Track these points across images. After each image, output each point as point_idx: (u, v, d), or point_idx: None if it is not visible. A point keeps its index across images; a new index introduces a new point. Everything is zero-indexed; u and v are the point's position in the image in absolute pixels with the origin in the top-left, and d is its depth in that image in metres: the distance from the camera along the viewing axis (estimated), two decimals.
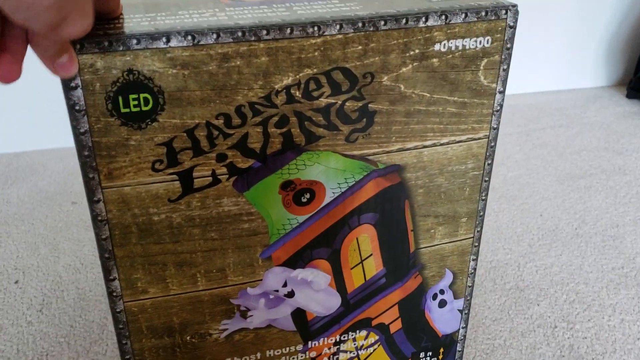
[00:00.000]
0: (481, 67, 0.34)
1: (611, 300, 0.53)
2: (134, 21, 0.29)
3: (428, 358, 0.46)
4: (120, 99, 0.28)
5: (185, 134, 0.30)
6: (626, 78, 1.04)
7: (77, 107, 0.28)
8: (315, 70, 0.31)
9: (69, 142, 0.80)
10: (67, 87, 0.27)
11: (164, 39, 0.28)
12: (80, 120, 0.28)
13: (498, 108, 0.36)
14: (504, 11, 0.32)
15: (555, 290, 0.54)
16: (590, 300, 0.53)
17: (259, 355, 0.40)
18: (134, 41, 0.27)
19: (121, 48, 0.27)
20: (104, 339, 0.48)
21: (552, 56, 0.98)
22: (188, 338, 0.37)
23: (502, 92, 0.36)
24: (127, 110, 0.29)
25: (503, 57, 0.34)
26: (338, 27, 0.30)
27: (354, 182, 0.36)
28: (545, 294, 0.54)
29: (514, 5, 0.33)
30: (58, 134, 0.79)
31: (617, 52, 1.01)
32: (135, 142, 0.30)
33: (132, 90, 0.28)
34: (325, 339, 0.41)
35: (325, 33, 0.30)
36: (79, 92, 0.28)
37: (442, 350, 0.46)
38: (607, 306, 0.52)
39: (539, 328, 0.49)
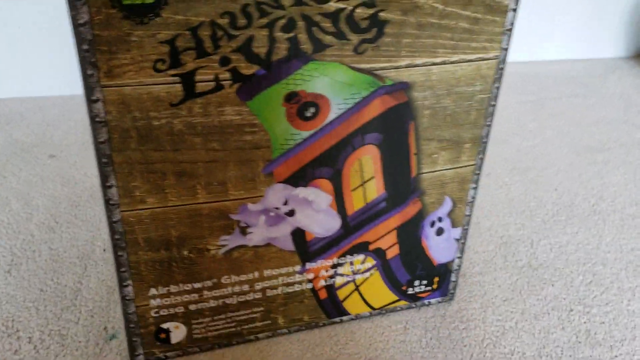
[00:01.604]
0: None
1: (630, 283, 0.51)
2: None
3: (423, 286, 0.46)
4: None
5: (188, 33, 0.29)
6: None
7: None
8: None
9: (50, 91, 0.76)
10: None
11: None
12: (80, 10, 0.27)
13: (510, 27, 0.35)
14: None
15: (571, 271, 0.52)
16: (608, 283, 0.51)
17: (256, 274, 0.39)
18: None
19: None
20: (76, 305, 0.45)
21: (569, 24, 0.95)
22: (186, 253, 0.36)
23: (515, 10, 0.35)
24: (129, 1, 0.27)
25: None
26: None
27: (361, 99, 0.35)
28: (560, 274, 0.52)
29: None
30: (38, 83, 0.76)
31: (638, 22, 0.99)
32: (137, 38, 0.28)
33: None
34: (323, 260, 0.41)
35: None
36: None
37: (436, 279, 0.46)
38: (626, 289, 0.50)
39: (554, 311, 0.47)
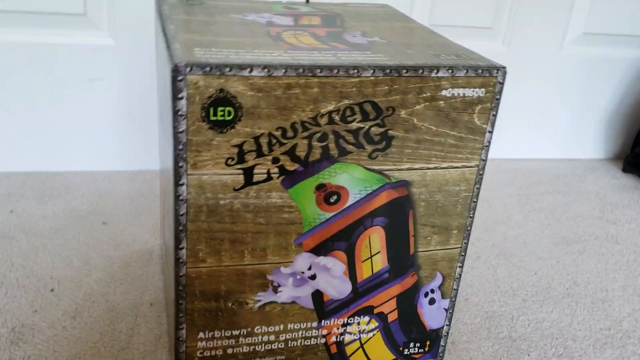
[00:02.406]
0: (476, 111, 0.44)
1: (597, 357, 0.59)
2: (224, 54, 0.40)
3: (416, 348, 0.55)
4: (211, 109, 0.39)
5: (252, 140, 0.41)
6: (623, 153, 1.13)
7: (180, 112, 0.38)
8: (351, 101, 0.41)
9: (100, 166, 0.89)
10: (175, 97, 0.38)
11: (248, 69, 0.38)
12: (181, 122, 0.39)
13: (487, 144, 0.47)
14: (495, 70, 0.43)
15: (545, 344, 0.61)
16: (577, 356, 0.60)
17: (281, 326, 0.49)
18: (227, 69, 0.38)
19: (217, 73, 0.38)
20: (130, 347, 0.54)
21: (554, 127, 1.08)
22: (229, 304, 0.46)
23: (491, 132, 0.46)
24: (215, 118, 0.39)
25: (493, 105, 0.45)
26: (372, 71, 0.41)
27: (372, 191, 0.46)
28: (535, 345, 0.61)
29: (503, 67, 0.44)
30: (90, 158, 0.88)
31: (615, 127, 1.11)
32: (216, 142, 0.40)
33: (221, 104, 0.39)
34: (336, 319, 0.51)
35: (362, 75, 0.41)
36: (183, 102, 0.38)
37: (428, 342, 0.55)
38: None
39: None
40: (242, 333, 0.48)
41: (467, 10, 0.95)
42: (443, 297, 0.53)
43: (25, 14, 0.79)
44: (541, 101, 1.04)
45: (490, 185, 0.98)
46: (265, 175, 0.42)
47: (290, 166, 0.42)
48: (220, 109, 0.39)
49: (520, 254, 0.78)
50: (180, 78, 0.37)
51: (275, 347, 0.50)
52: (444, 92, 0.43)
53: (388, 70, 0.41)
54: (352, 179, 0.45)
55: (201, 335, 0.47)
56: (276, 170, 0.42)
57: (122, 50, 0.83)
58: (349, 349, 0.53)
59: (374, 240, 0.48)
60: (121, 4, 0.81)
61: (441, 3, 0.93)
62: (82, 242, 0.70)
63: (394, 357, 0.54)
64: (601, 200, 0.96)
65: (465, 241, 0.51)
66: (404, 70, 0.41)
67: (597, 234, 0.85)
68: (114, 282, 0.64)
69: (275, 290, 0.47)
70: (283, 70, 0.39)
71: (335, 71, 0.40)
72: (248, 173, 0.42)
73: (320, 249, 0.47)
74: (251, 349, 0.49)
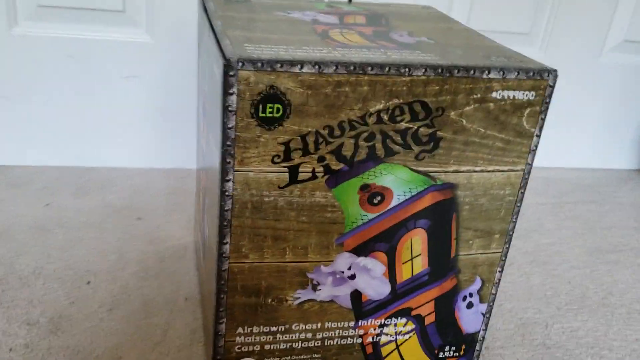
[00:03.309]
0: (525, 114, 0.44)
1: None
2: (273, 50, 0.40)
3: (451, 352, 0.54)
4: (260, 106, 0.39)
5: (299, 138, 0.40)
6: None
7: (230, 108, 0.38)
8: (401, 100, 0.41)
9: (135, 163, 0.90)
10: (226, 93, 0.38)
11: (299, 66, 0.38)
12: (230, 117, 0.39)
13: (534, 148, 0.46)
14: (547, 73, 0.43)
15: (580, 352, 0.60)
16: None
17: (319, 324, 0.49)
18: (278, 65, 0.38)
19: (268, 69, 0.38)
20: (166, 341, 0.54)
21: (589, 136, 1.06)
22: (269, 300, 0.46)
23: (539, 136, 0.46)
24: (264, 115, 0.39)
25: (542, 108, 0.44)
26: (423, 70, 0.40)
27: (416, 193, 0.45)
28: (571, 354, 0.60)
29: (555, 70, 0.43)
30: (126, 155, 0.89)
31: None
32: (264, 140, 0.40)
33: (270, 100, 0.39)
34: (373, 320, 0.50)
35: (413, 73, 0.40)
36: (234, 97, 0.38)
37: (463, 346, 0.55)
38: None
39: None
40: (280, 329, 0.48)
41: (505, 15, 0.94)
42: (481, 301, 0.53)
43: (65, 10, 0.81)
44: (577, 109, 1.03)
45: None
46: (310, 174, 0.42)
47: (336, 165, 0.42)
48: (269, 105, 0.39)
49: (553, 262, 0.77)
50: (232, 73, 0.37)
51: (312, 345, 0.50)
52: (494, 94, 0.42)
53: (440, 70, 0.40)
54: (397, 180, 0.44)
55: (240, 330, 0.47)
56: (321, 169, 0.42)
57: (159, 48, 0.84)
58: (384, 350, 0.52)
59: (416, 242, 0.48)
60: (160, 2, 0.82)
61: (479, 7, 0.92)
62: (117, 237, 0.71)
63: (429, 359, 0.54)
64: (636, 211, 0.94)
65: (507, 246, 0.50)
66: (456, 71, 0.41)
67: (633, 245, 0.84)
68: (149, 277, 0.64)
69: (315, 288, 0.47)
70: (334, 67, 0.39)
71: (387, 69, 0.40)
72: (293, 171, 0.42)
73: (361, 250, 0.47)
74: (288, 346, 0.49)
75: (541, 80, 0.43)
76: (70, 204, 0.78)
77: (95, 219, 0.75)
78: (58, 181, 0.83)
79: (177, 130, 0.89)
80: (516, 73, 0.42)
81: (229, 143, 0.39)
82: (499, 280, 0.52)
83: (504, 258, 0.51)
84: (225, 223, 0.42)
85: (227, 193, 0.41)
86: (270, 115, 0.39)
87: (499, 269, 0.51)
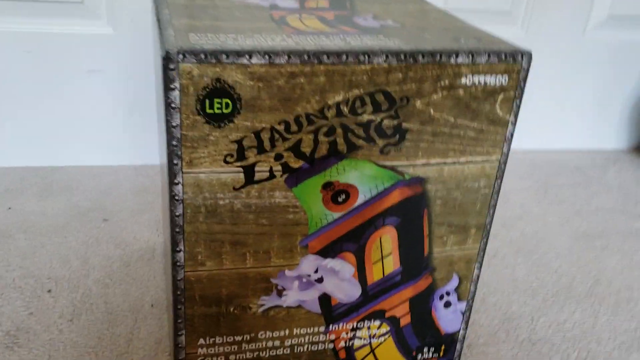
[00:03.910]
0: (498, 100, 0.41)
1: None
2: (221, 40, 0.36)
3: (430, 353, 0.52)
4: (207, 101, 0.35)
5: (253, 135, 0.37)
6: None
7: (172, 105, 0.35)
8: (361, 91, 0.38)
9: (103, 160, 0.86)
10: (167, 88, 0.35)
11: (247, 56, 0.35)
12: (174, 115, 0.35)
13: (509, 136, 0.43)
14: (520, 55, 0.40)
15: (567, 347, 0.57)
16: (602, 359, 0.56)
17: (287, 331, 0.46)
18: (224, 56, 0.34)
19: (213, 61, 0.34)
20: (129, 352, 0.51)
21: (574, 116, 1.03)
22: (231, 309, 0.43)
23: (514, 124, 0.43)
24: (211, 111, 0.36)
25: (517, 93, 0.41)
26: (384, 57, 0.37)
27: (383, 189, 0.42)
28: (557, 349, 0.57)
29: (529, 52, 0.40)
30: (93, 152, 0.85)
31: (638, 117, 1.06)
32: (214, 138, 0.36)
33: (217, 95, 0.35)
34: (345, 324, 0.47)
35: (374, 61, 0.37)
36: (176, 93, 0.35)
37: (443, 347, 0.52)
38: None
39: None
40: (245, 339, 0.45)
41: None
42: (459, 299, 0.50)
43: (20, 2, 0.76)
44: (561, 89, 1.00)
45: (507, 178, 0.94)
46: (268, 174, 0.39)
47: (295, 163, 0.39)
48: (217, 100, 0.35)
49: (539, 250, 0.74)
50: (172, 67, 0.34)
51: (281, 352, 0.47)
52: (463, 80, 0.39)
53: (402, 56, 0.37)
54: (362, 176, 0.41)
55: (202, 341, 0.44)
56: (279, 167, 0.39)
57: (122, 40, 0.80)
58: (358, 355, 0.49)
59: (386, 241, 0.45)
60: None
61: None
62: (82, 241, 0.68)
63: None
64: (624, 193, 0.91)
65: (485, 241, 0.48)
66: (420, 56, 0.37)
67: (620, 229, 0.81)
68: (113, 283, 0.61)
69: (280, 294, 0.44)
70: (286, 57, 0.35)
71: (344, 57, 0.36)
72: (249, 171, 0.38)
73: (328, 251, 0.43)
74: (255, 355, 0.46)
75: (514, 64, 0.40)
76: (34, 207, 0.74)
77: (59, 222, 0.71)
78: (21, 183, 0.80)
79: (146, 125, 0.85)
80: (487, 56, 0.39)
81: (174, 143, 0.36)
82: (478, 277, 0.49)
83: (482, 253, 0.48)
84: (177, 230, 0.39)
85: (176, 197, 0.38)
86: (219, 111, 0.36)
87: (477, 264, 0.49)
